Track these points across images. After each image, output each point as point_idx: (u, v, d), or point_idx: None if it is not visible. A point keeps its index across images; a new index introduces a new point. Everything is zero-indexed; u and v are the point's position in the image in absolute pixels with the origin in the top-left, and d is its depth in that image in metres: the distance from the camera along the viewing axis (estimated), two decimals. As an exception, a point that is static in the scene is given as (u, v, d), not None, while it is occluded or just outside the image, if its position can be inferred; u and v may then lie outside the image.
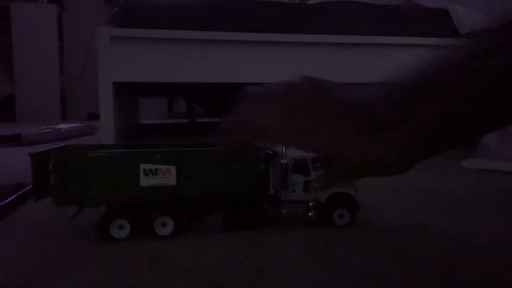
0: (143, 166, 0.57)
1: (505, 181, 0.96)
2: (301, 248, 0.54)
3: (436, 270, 0.48)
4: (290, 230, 0.61)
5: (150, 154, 0.57)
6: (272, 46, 1.55)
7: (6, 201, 0.71)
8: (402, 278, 0.46)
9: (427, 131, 0.52)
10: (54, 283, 0.45)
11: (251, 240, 0.58)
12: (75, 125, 2.19)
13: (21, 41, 3.47)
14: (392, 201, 0.78)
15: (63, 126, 2.06)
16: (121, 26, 1.45)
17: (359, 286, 0.44)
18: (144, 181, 0.57)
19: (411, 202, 0.78)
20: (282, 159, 0.60)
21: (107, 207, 0.59)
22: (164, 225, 0.58)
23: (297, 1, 2.07)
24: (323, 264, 0.50)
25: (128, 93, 2.08)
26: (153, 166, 0.57)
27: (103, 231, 0.57)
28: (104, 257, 0.52)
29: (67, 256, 0.52)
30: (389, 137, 0.58)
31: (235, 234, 0.60)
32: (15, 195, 0.75)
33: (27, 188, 0.80)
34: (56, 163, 0.55)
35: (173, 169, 0.58)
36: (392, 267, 0.49)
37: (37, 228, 0.63)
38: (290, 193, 0.62)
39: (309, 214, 0.62)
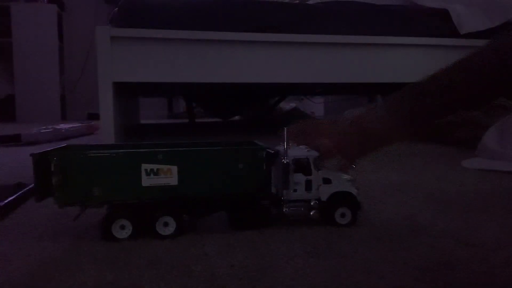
0: (145, 166, 0.57)
1: (505, 181, 0.96)
2: (301, 248, 0.54)
3: (436, 270, 0.48)
4: (290, 230, 0.61)
5: (151, 154, 0.57)
6: (272, 46, 1.56)
7: (6, 201, 0.71)
8: (402, 278, 0.46)
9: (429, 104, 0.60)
10: (54, 283, 0.45)
11: (251, 240, 0.58)
12: (75, 125, 2.19)
13: (21, 41, 3.47)
14: (392, 201, 0.78)
15: (63, 126, 2.06)
16: (121, 26, 1.45)
17: (359, 286, 0.45)
18: (146, 181, 0.57)
19: (411, 202, 0.78)
20: (284, 159, 0.60)
21: (109, 207, 0.59)
22: (166, 225, 0.58)
23: (297, 1, 2.07)
24: (323, 264, 0.50)
25: (128, 93, 2.08)
26: (154, 166, 0.57)
27: (105, 231, 0.57)
28: (104, 257, 0.52)
29: (67, 256, 0.52)
30: (392, 112, 0.64)
31: (235, 234, 0.60)
32: (15, 195, 0.75)
33: (27, 188, 0.80)
34: (58, 163, 0.55)
35: (174, 169, 0.58)
36: (392, 267, 0.49)
37: (37, 228, 0.63)
38: (291, 192, 0.62)
39: (311, 213, 0.62)
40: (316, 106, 3.75)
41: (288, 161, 0.60)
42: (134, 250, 0.54)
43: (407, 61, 1.66)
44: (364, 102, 3.34)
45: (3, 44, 3.49)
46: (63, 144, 0.65)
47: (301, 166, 0.62)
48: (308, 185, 0.62)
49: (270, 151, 0.62)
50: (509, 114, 1.34)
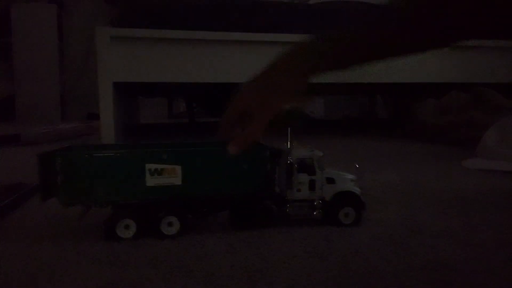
0: (149, 166, 0.57)
1: (505, 181, 0.96)
2: (301, 248, 0.54)
3: (436, 270, 0.48)
4: (290, 230, 0.61)
5: (156, 154, 0.57)
6: (272, 46, 1.55)
7: (6, 201, 0.71)
8: (402, 278, 0.46)
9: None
10: (54, 284, 0.45)
11: (251, 240, 0.58)
12: (75, 125, 2.19)
13: (21, 41, 3.47)
14: (392, 201, 0.78)
15: (63, 126, 2.06)
16: (121, 26, 1.45)
17: (359, 286, 0.45)
18: (150, 181, 0.57)
19: (411, 202, 0.78)
20: (288, 158, 0.60)
21: (113, 207, 0.59)
22: (170, 224, 0.58)
23: (297, 1, 2.07)
24: (323, 264, 0.50)
25: (128, 93, 2.08)
26: (159, 166, 0.57)
27: (110, 231, 0.57)
28: (105, 257, 0.52)
29: (67, 256, 0.52)
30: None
31: (235, 234, 0.60)
32: (15, 195, 0.75)
33: (27, 188, 0.80)
34: (62, 163, 0.55)
35: (178, 168, 0.58)
36: (392, 267, 0.49)
37: (37, 228, 0.63)
38: (295, 192, 0.62)
39: (315, 213, 0.62)
40: (316, 105, 3.75)
41: (292, 161, 0.61)
42: (134, 250, 0.54)
43: (406, 61, 1.65)
44: (364, 102, 3.34)
45: (3, 44, 3.49)
46: (64, 144, 0.65)
47: (305, 166, 0.62)
48: (312, 185, 0.62)
49: (275, 150, 0.62)
50: (509, 114, 1.34)
